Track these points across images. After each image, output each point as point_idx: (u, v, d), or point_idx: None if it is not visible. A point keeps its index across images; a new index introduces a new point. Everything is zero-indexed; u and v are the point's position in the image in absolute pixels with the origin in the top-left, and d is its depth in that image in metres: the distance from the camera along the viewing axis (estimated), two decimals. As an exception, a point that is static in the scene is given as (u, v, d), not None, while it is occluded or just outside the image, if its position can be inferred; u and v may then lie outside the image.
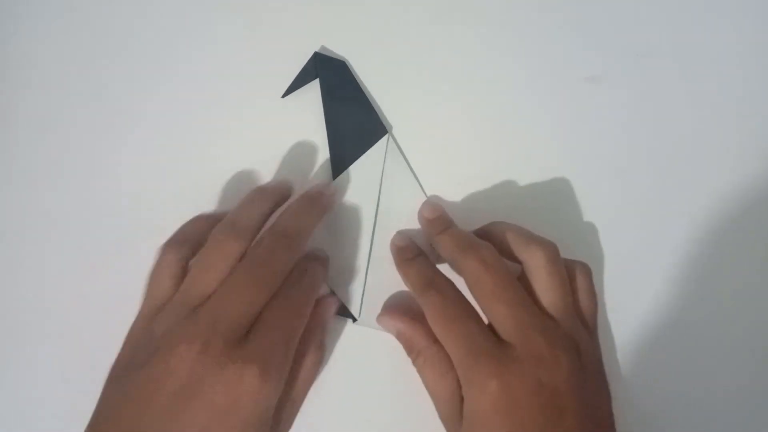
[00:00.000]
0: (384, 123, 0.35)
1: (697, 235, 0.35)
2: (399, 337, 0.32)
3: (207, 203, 0.35)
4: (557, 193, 0.35)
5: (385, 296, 0.34)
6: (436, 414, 0.30)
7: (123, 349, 0.28)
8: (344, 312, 0.34)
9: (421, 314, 0.30)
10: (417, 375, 0.31)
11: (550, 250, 0.30)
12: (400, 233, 0.34)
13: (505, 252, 0.31)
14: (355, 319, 0.34)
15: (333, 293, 0.34)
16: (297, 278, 0.29)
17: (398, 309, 0.33)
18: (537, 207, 0.35)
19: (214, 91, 0.36)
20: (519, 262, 0.31)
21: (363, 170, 0.35)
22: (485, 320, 0.29)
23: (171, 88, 0.36)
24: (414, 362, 0.31)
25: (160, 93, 0.36)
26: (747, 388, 0.34)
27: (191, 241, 0.31)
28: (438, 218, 0.33)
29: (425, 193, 0.35)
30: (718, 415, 0.34)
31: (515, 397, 0.26)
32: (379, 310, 0.34)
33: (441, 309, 0.29)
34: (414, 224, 0.34)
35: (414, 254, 0.32)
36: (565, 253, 0.33)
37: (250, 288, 0.27)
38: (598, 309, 0.33)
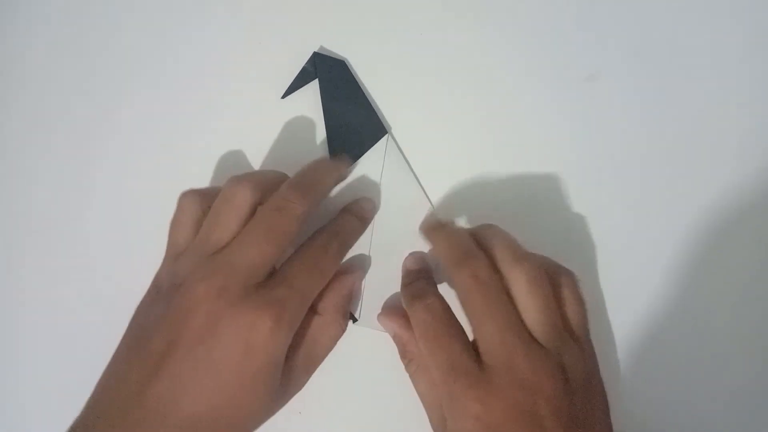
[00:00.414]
0: (384, 123, 0.35)
1: (697, 234, 0.34)
2: (394, 339, 0.32)
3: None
4: (556, 192, 0.35)
5: (385, 296, 0.34)
6: (435, 413, 0.30)
7: (150, 288, 0.30)
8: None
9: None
10: (402, 365, 0.31)
11: (534, 268, 0.29)
12: (413, 255, 0.34)
13: (494, 261, 0.30)
14: (355, 320, 0.34)
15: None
16: (327, 239, 0.30)
17: (397, 310, 0.33)
18: (536, 206, 0.35)
19: (214, 91, 0.36)
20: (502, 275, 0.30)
21: (363, 170, 0.35)
22: (471, 337, 0.29)
23: (170, 88, 0.36)
24: (406, 367, 0.31)
25: (160, 93, 0.36)
26: (746, 387, 0.34)
27: (210, 190, 0.31)
28: (439, 225, 0.33)
29: (425, 193, 0.35)
30: (717, 414, 0.34)
31: (495, 422, 0.26)
32: (378, 311, 0.34)
33: (426, 324, 0.29)
34: (413, 223, 0.34)
35: (415, 278, 0.32)
36: (563, 252, 0.33)
37: (267, 236, 0.28)
38: (596, 309, 0.33)
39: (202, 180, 0.35)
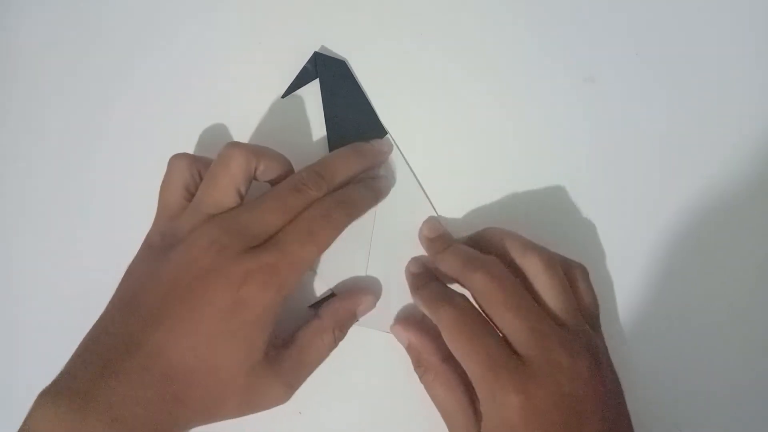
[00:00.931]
0: (383, 124, 0.35)
1: (696, 234, 0.35)
2: (409, 349, 0.32)
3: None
4: (556, 193, 0.35)
5: (385, 297, 0.34)
6: (436, 414, 0.30)
7: (142, 248, 0.31)
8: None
9: (434, 329, 0.30)
10: (417, 375, 0.31)
11: (548, 256, 0.30)
12: (415, 260, 0.34)
13: (502, 260, 0.30)
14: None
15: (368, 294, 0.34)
16: (329, 206, 0.30)
17: (411, 321, 0.33)
18: (536, 206, 0.35)
19: (215, 90, 0.36)
20: (516, 270, 0.30)
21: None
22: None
23: (170, 87, 0.36)
24: (421, 377, 0.31)
25: (160, 92, 0.36)
26: (745, 386, 0.34)
27: (201, 156, 0.32)
28: (439, 237, 0.33)
29: (425, 193, 0.35)
30: (716, 412, 0.34)
31: (538, 410, 0.26)
32: (379, 311, 0.34)
33: (457, 324, 0.29)
34: (413, 224, 0.34)
35: (426, 281, 0.32)
36: (563, 252, 0.33)
37: (276, 212, 0.29)
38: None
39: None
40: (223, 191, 0.29)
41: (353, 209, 0.31)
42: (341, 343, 0.34)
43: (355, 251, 0.34)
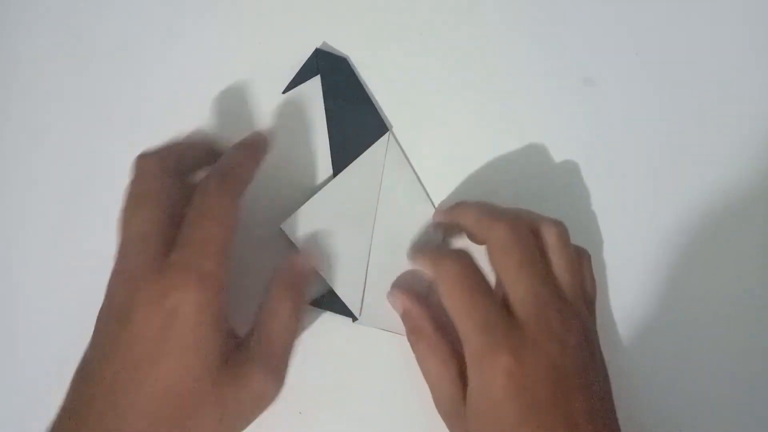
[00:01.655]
0: (385, 121, 0.35)
1: (695, 234, 0.35)
2: (405, 315, 0.32)
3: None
4: (555, 192, 0.35)
5: (384, 295, 0.34)
6: (436, 412, 0.30)
7: None
8: (344, 311, 0.33)
9: (431, 299, 0.30)
10: (417, 373, 0.31)
11: (564, 228, 0.30)
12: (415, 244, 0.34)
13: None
14: (354, 318, 0.34)
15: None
16: (205, 180, 0.28)
17: (407, 287, 0.32)
18: (536, 205, 0.35)
19: (216, 86, 0.35)
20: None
21: (363, 168, 0.34)
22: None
23: (170, 83, 0.36)
24: (414, 345, 0.31)
25: (159, 89, 0.35)
26: (747, 387, 0.34)
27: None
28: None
29: (426, 191, 0.35)
30: (717, 414, 0.34)
31: (528, 376, 0.26)
32: (378, 309, 0.33)
33: (458, 278, 0.28)
34: (414, 220, 0.34)
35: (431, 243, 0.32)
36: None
37: (157, 209, 0.27)
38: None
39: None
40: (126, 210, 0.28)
41: (231, 169, 0.29)
42: (340, 343, 0.33)
43: (356, 248, 0.34)
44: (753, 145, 0.35)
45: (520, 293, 0.28)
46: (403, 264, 0.34)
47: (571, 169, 0.35)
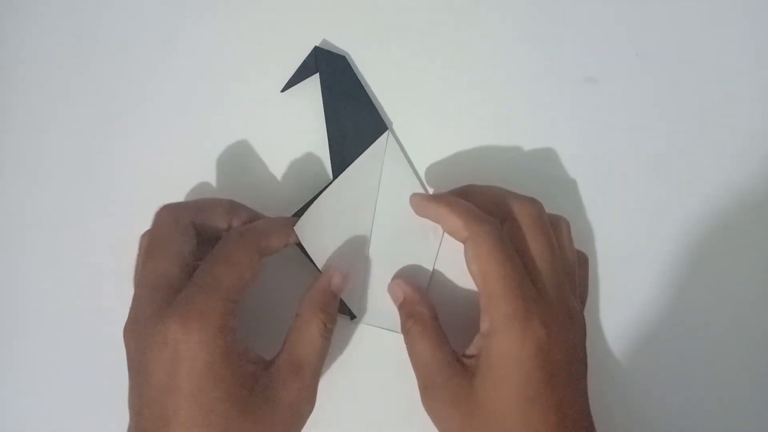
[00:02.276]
0: (384, 119, 0.35)
1: (695, 235, 0.35)
2: (403, 303, 0.32)
3: (205, 197, 0.34)
4: (555, 192, 0.35)
5: (384, 293, 0.34)
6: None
7: None
8: (343, 309, 0.33)
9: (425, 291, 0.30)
10: (403, 331, 0.31)
11: (568, 224, 0.32)
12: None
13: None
14: (353, 317, 0.34)
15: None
16: (227, 235, 0.29)
17: (408, 277, 0.33)
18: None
19: (215, 84, 0.35)
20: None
21: (363, 166, 0.34)
22: None
23: (169, 81, 0.35)
24: (409, 329, 0.30)
25: (158, 87, 0.35)
26: (746, 388, 0.34)
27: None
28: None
29: (426, 190, 0.35)
30: (717, 414, 0.34)
31: (552, 351, 0.27)
32: (377, 307, 0.33)
33: (497, 243, 0.28)
34: (413, 219, 0.34)
35: (447, 195, 0.32)
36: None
37: (168, 258, 0.28)
38: (594, 309, 0.34)
39: (204, 173, 0.35)
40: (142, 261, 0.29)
41: (254, 227, 0.30)
42: (339, 341, 0.34)
43: (356, 247, 0.34)
44: (753, 144, 0.35)
45: (545, 269, 0.29)
46: (402, 262, 0.34)
47: (571, 169, 0.35)
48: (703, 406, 0.34)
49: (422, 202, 0.32)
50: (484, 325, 0.28)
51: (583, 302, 0.32)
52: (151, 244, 0.29)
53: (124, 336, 0.28)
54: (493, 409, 0.27)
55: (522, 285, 0.27)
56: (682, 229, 0.35)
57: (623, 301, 0.35)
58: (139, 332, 0.27)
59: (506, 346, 0.27)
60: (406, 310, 0.31)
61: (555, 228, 0.31)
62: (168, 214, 0.30)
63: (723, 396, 0.34)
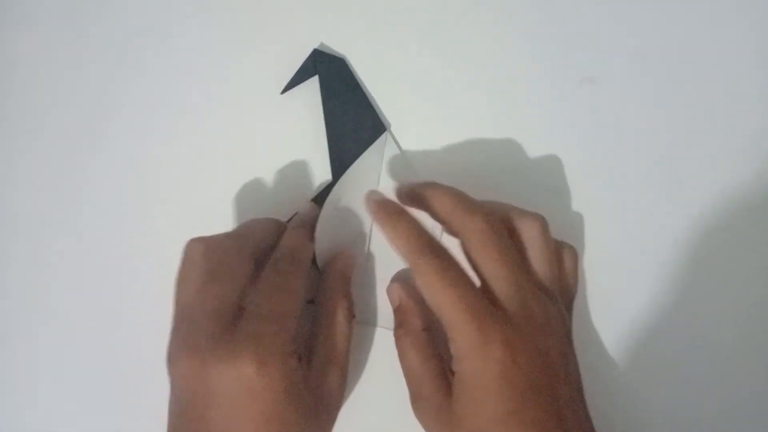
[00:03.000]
0: (383, 120, 0.35)
1: (693, 235, 0.35)
2: (397, 309, 0.32)
3: (205, 199, 0.35)
4: (554, 192, 0.35)
5: (384, 293, 0.34)
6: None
7: None
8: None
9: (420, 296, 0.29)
10: (395, 337, 0.31)
11: (544, 222, 0.30)
12: (373, 192, 0.33)
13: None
14: (353, 317, 0.34)
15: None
16: (272, 261, 0.29)
17: (407, 283, 0.33)
18: (534, 205, 0.35)
19: (213, 87, 0.36)
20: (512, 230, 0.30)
21: (362, 167, 0.35)
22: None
23: (168, 83, 0.36)
24: (399, 338, 0.31)
25: (157, 89, 0.36)
26: (746, 387, 0.34)
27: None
28: (414, 182, 0.32)
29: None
30: (717, 413, 0.34)
31: (519, 365, 0.26)
32: (377, 307, 0.34)
33: (440, 273, 0.28)
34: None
35: (399, 209, 0.31)
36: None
37: (223, 285, 0.27)
38: (593, 310, 0.34)
39: (204, 174, 0.35)
40: (190, 287, 0.28)
41: (296, 245, 0.31)
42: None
43: (355, 247, 0.34)
44: (753, 144, 0.35)
45: (500, 283, 0.28)
46: (400, 262, 0.34)
47: (570, 169, 0.35)
48: (703, 406, 0.34)
49: (374, 215, 0.31)
50: (452, 350, 0.28)
51: (571, 296, 0.32)
52: (216, 269, 0.28)
53: (174, 359, 0.27)
54: (470, 429, 0.27)
55: (475, 309, 0.27)
56: (681, 230, 0.35)
57: (623, 301, 0.34)
58: (201, 362, 0.26)
59: (471, 370, 0.27)
60: (398, 318, 0.32)
61: (557, 252, 0.31)
62: (231, 242, 0.29)
63: (723, 396, 0.34)
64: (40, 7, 0.36)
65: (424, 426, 0.29)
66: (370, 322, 0.34)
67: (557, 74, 0.36)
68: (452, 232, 0.30)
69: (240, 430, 0.26)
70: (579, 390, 0.29)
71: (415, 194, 0.31)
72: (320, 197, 0.34)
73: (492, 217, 0.29)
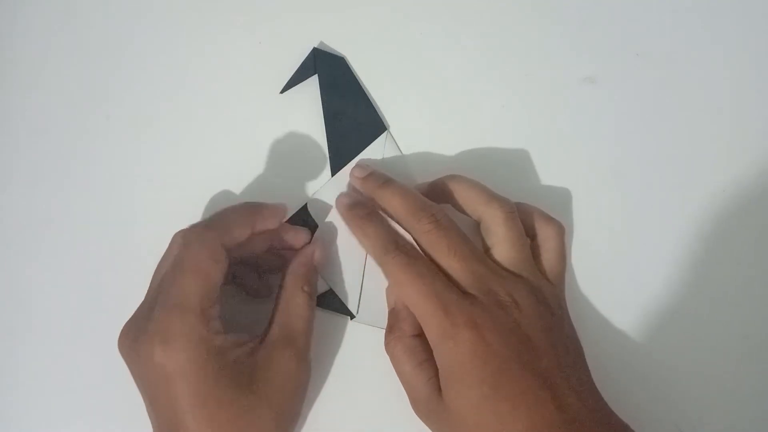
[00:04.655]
0: (383, 119, 0.35)
1: (693, 234, 0.35)
2: (391, 312, 0.32)
3: (204, 198, 0.35)
4: (554, 192, 0.35)
5: (382, 293, 0.34)
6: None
7: None
8: (342, 309, 0.33)
9: None
10: (384, 342, 0.31)
11: (508, 207, 0.31)
12: (344, 194, 0.34)
13: (463, 208, 0.32)
14: (352, 317, 0.34)
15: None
16: (189, 238, 0.29)
17: None
18: (534, 204, 0.35)
19: (213, 86, 0.36)
20: (476, 218, 0.32)
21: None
22: None
23: (168, 83, 0.36)
24: (389, 343, 0.31)
25: (157, 88, 0.36)
26: (746, 386, 0.34)
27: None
28: (371, 174, 0.33)
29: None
30: (716, 412, 0.34)
31: (490, 344, 0.27)
32: (377, 307, 0.33)
33: (406, 268, 0.29)
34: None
35: (367, 211, 0.32)
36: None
37: (158, 271, 0.29)
38: (592, 311, 0.34)
39: (203, 174, 0.35)
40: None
41: (212, 221, 0.30)
42: (339, 341, 0.34)
43: (353, 248, 0.34)
44: (753, 144, 0.35)
45: (459, 275, 0.29)
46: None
47: (569, 169, 0.35)
48: (703, 407, 0.34)
49: (343, 218, 0.33)
50: (430, 344, 0.29)
51: (556, 272, 0.32)
52: (183, 262, 0.28)
53: (118, 343, 0.29)
54: (461, 420, 0.28)
55: (441, 298, 0.28)
56: (682, 229, 0.35)
57: (623, 301, 0.34)
58: (129, 347, 0.28)
59: (446, 356, 0.28)
60: (390, 321, 0.32)
61: (541, 231, 0.32)
62: (207, 233, 0.29)
63: (723, 396, 0.34)
64: (40, 7, 0.36)
65: (427, 425, 0.30)
66: (371, 323, 0.34)
67: (557, 74, 0.36)
68: (414, 228, 0.31)
69: (177, 418, 0.26)
70: (574, 358, 0.29)
71: (374, 193, 0.32)
72: (296, 218, 0.34)
73: (438, 215, 0.30)
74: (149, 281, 0.30)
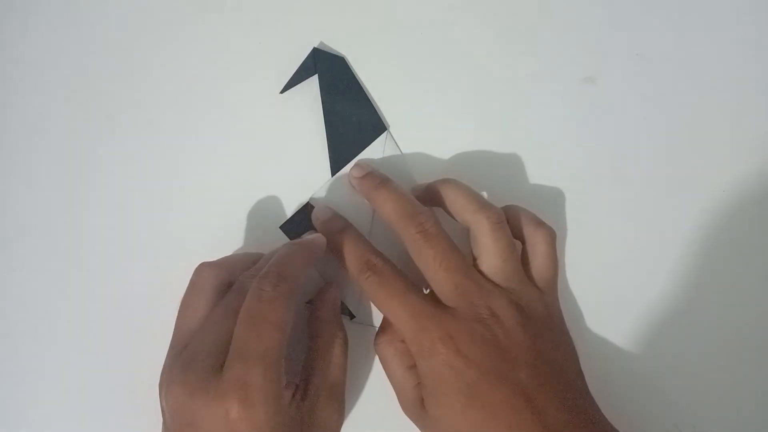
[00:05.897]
0: (383, 120, 0.35)
1: (694, 235, 0.35)
2: (384, 318, 0.32)
3: (204, 199, 0.34)
4: (554, 192, 0.35)
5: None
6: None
7: None
8: (342, 309, 0.33)
9: None
10: (374, 346, 0.32)
11: (495, 217, 0.30)
12: (319, 208, 0.34)
13: (453, 215, 0.32)
14: (352, 317, 0.34)
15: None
16: (257, 285, 0.28)
17: None
18: (534, 206, 0.35)
19: (213, 85, 0.35)
20: (465, 226, 0.31)
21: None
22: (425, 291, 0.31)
23: (168, 83, 0.36)
24: (380, 345, 0.31)
25: (157, 88, 0.36)
26: (745, 386, 0.34)
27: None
28: (369, 174, 0.33)
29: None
30: (716, 412, 0.34)
31: (466, 356, 0.28)
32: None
33: (380, 287, 0.30)
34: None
35: (342, 225, 0.32)
36: (561, 255, 0.34)
37: (225, 317, 0.28)
38: (591, 311, 0.34)
39: (203, 174, 0.35)
40: (194, 315, 0.29)
41: (285, 268, 0.29)
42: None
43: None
44: (753, 144, 0.35)
45: (441, 286, 0.29)
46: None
47: (569, 170, 0.35)
48: (702, 407, 0.34)
49: (319, 232, 0.33)
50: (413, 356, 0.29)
51: (547, 280, 0.31)
52: (258, 318, 0.27)
53: (167, 389, 0.27)
54: (442, 428, 0.29)
55: (416, 312, 0.29)
56: (682, 229, 0.35)
57: (623, 301, 0.34)
58: (191, 396, 0.26)
59: (426, 370, 0.28)
60: (383, 324, 0.32)
61: (530, 237, 0.32)
62: (271, 289, 0.28)
63: (722, 396, 0.34)
64: (43, 8, 0.36)
65: (416, 426, 0.30)
66: (370, 323, 0.34)
67: (557, 74, 0.36)
68: (401, 236, 0.31)
69: None
70: (559, 371, 0.29)
71: (369, 195, 0.32)
72: (296, 218, 0.34)
73: (427, 222, 0.30)
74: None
